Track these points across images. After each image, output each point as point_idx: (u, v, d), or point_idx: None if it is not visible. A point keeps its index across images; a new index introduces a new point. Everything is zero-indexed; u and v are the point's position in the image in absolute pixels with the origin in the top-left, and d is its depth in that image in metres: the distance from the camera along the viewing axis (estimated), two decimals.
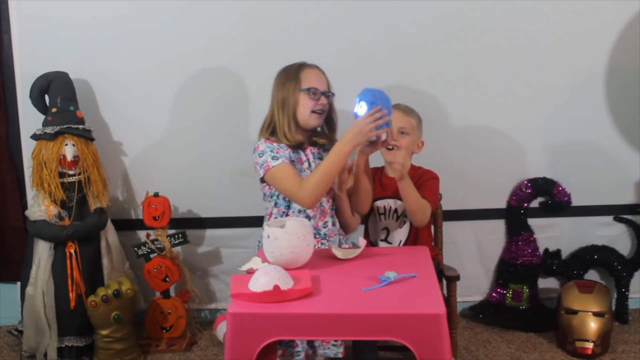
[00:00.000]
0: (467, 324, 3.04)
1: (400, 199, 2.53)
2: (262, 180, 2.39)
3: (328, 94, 2.41)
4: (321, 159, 2.45)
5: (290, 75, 2.38)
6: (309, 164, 2.43)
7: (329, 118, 2.47)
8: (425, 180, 2.55)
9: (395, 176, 2.37)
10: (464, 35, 2.85)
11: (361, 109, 2.23)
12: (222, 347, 2.77)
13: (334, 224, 2.46)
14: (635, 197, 3.03)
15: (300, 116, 2.38)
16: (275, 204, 2.41)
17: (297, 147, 2.40)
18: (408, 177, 2.38)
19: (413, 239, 2.55)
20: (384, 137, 2.27)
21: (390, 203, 2.59)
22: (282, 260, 1.98)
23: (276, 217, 2.37)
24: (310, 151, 2.46)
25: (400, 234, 2.57)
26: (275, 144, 2.37)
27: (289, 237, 1.97)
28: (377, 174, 2.67)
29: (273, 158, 2.33)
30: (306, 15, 2.85)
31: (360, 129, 2.21)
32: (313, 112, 2.38)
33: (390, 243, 2.57)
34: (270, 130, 2.41)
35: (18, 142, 2.95)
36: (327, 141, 2.47)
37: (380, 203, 2.60)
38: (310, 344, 2.33)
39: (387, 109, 2.23)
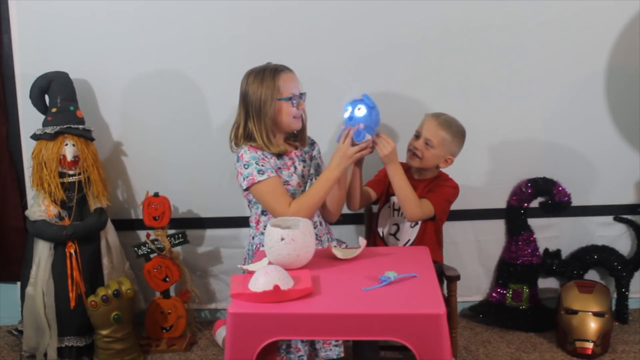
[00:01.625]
0: (467, 324, 3.04)
1: None
2: (245, 190, 2.36)
3: (303, 97, 2.41)
4: (304, 160, 2.47)
5: (266, 83, 2.32)
6: (295, 168, 2.42)
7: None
8: (439, 185, 2.54)
9: (383, 160, 2.36)
10: (463, 35, 2.85)
11: (359, 111, 2.27)
12: (221, 347, 2.76)
13: (321, 224, 2.47)
14: (635, 197, 3.03)
15: (284, 123, 2.37)
16: (263, 212, 2.40)
17: (280, 154, 2.39)
18: (398, 164, 2.36)
19: (420, 240, 2.55)
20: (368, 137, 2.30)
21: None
22: (296, 260, 1.98)
23: (265, 225, 2.33)
24: (295, 154, 2.45)
25: (409, 234, 2.57)
26: (259, 153, 2.34)
27: (304, 236, 1.98)
28: (404, 169, 2.65)
29: (259, 172, 2.29)
30: (306, 16, 2.84)
31: (344, 153, 2.29)
32: (294, 117, 2.38)
33: (399, 240, 2.57)
34: (246, 136, 2.37)
35: (18, 142, 2.95)
36: (300, 143, 2.47)
37: (396, 198, 2.59)
38: (312, 347, 2.33)
39: (377, 120, 2.29)
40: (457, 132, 2.51)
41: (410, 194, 2.40)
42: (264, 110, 2.32)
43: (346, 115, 2.31)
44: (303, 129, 2.47)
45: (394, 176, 2.38)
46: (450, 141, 2.49)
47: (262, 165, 2.31)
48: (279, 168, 2.38)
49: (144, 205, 2.86)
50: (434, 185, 2.55)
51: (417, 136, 2.52)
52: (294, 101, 2.35)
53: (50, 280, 2.70)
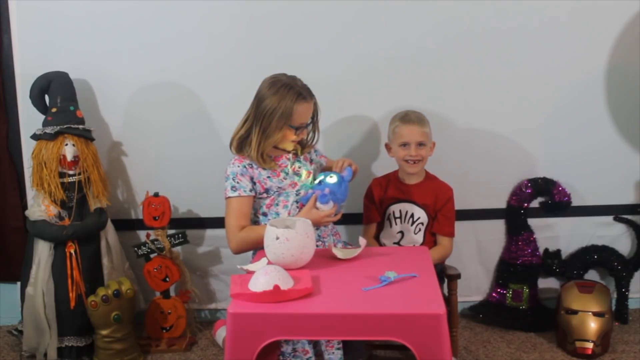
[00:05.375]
0: (467, 324, 3.04)
1: (417, 204, 2.55)
2: None
3: (308, 126, 2.43)
4: (299, 161, 2.49)
5: (286, 103, 2.31)
6: (286, 173, 2.45)
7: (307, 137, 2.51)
8: (446, 202, 2.58)
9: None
10: (464, 37, 2.84)
11: (331, 178, 2.30)
12: (221, 348, 2.76)
13: (325, 225, 2.47)
14: (635, 197, 3.03)
15: (280, 143, 2.42)
16: (264, 213, 2.45)
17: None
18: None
19: (426, 245, 2.56)
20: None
21: (406, 207, 2.60)
22: (292, 260, 1.98)
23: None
24: (285, 158, 2.47)
25: (415, 239, 2.58)
26: (240, 167, 2.39)
27: (299, 237, 1.98)
28: (392, 179, 2.66)
29: (232, 188, 2.38)
30: (306, 20, 2.84)
31: (312, 219, 2.22)
32: (292, 141, 2.42)
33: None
34: (243, 138, 2.41)
35: (18, 142, 2.95)
36: (295, 154, 2.50)
37: (395, 207, 2.61)
38: (316, 350, 2.33)
39: (345, 193, 2.31)
40: (427, 120, 2.58)
41: (438, 257, 2.52)
42: (272, 126, 2.34)
43: (316, 182, 2.33)
44: (309, 144, 2.51)
45: None
46: (430, 131, 2.57)
47: (237, 183, 2.38)
48: (268, 177, 2.42)
49: (144, 205, 2.86)
50: (436, 200, 2.58)
51: (405, 144, 2.54)
52: (297, 132, 2.39)
53: (50, 280, 2.69)
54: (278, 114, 2.32)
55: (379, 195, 2.65)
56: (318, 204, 2.29)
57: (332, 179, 2.29)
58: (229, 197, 2.39)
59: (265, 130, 2.35)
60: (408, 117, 2.56)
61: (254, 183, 2.41)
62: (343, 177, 2.31)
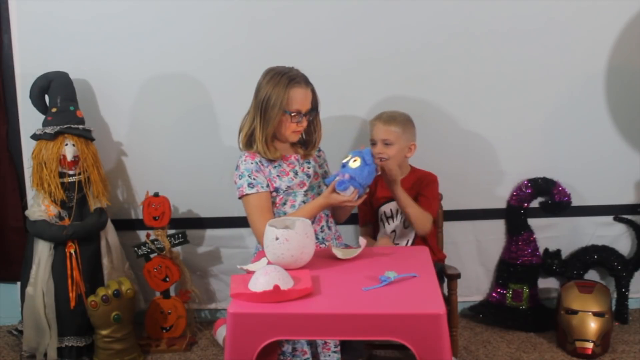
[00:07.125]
0: (467, 324, 3.04)
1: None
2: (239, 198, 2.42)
3: (309, 115, 2.41)
4: (308, 162, 2.49)
5: (278, 89, 2.32)
6: (295, 173, 2.44)
7: (311, 134, 2.49)
8: (425, 185, 2.56)
9: (387, 182, 2.39)
10: (463, 37, 2.85)
11: (354, 162, 2.22)
12: (222, 347, 2.76)
13: (329, 228, 2.48)
14: (635, 197, 3.03)
15: (283, 135, 2.41)
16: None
17: (276, 159, 2.42)
18: (400, 187, 2.39)
19: (420, 241, 2.56)
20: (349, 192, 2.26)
21: (397, 205, 2.59)
22: (291, 260, 1.98)
23: None
24: (294, 158, 2.47)
25: (408, 235, 2.58)
26: (255, 163, 2.38)
27: (299, 237, 1.98)
28: (380, 179, 2.66)
29: (249, 185, 2.36)
30: (307, 19, 2.84)
31: (334, 199, 2.25)
32: (293, 132, 2.41)
33: (398, 244, 2.58)
34: (249, 134, 2.40)
35: (18, 142, 2.95)
36: (303, 155, 2.49)
37: (386, 207, 2.61)
38: (313, 351, 2.33)
39: (368, 178, 2.22)
40: (404, 121, 2.56)
41: (419, 211, 2.44)
42: (269, 114, 2.34)
43: (344, 160, 2.27)
44: (314, 143, 2.49)
45: (405, 199, 2.41)
46: (403, 131, 2.53)
47: (254, 179, 2.36)
48: (277, 175, 2.41)
49: (144, 205, 2.86)
50: (419, 186, 2.56)
51: (374, 143, 2.56)
52: (295, 119, 2.37)
53: (50, 280, 2.70)
54: (273, 99, 2.32)
55: (369, 196, 2.65)
56: (336, 189, 2.25)
57: (355, 163, 2.22)
58: (247, 195, 2.36)
59: (264, 118, 2.35)
60: (379, 116, 2.57)
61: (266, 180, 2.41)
62: (366, 161, 2.21)
